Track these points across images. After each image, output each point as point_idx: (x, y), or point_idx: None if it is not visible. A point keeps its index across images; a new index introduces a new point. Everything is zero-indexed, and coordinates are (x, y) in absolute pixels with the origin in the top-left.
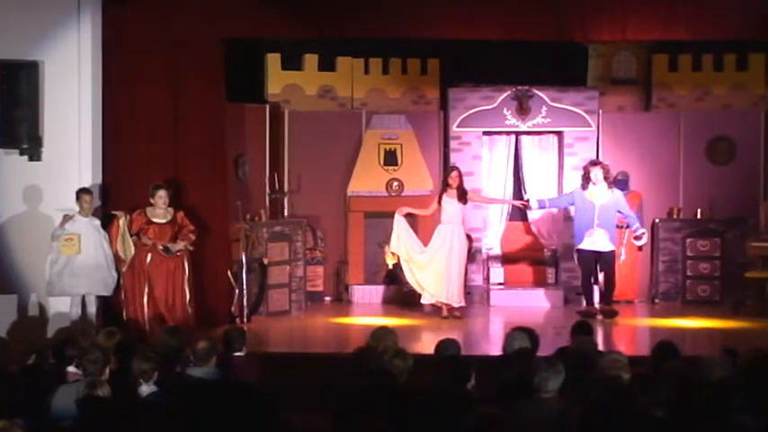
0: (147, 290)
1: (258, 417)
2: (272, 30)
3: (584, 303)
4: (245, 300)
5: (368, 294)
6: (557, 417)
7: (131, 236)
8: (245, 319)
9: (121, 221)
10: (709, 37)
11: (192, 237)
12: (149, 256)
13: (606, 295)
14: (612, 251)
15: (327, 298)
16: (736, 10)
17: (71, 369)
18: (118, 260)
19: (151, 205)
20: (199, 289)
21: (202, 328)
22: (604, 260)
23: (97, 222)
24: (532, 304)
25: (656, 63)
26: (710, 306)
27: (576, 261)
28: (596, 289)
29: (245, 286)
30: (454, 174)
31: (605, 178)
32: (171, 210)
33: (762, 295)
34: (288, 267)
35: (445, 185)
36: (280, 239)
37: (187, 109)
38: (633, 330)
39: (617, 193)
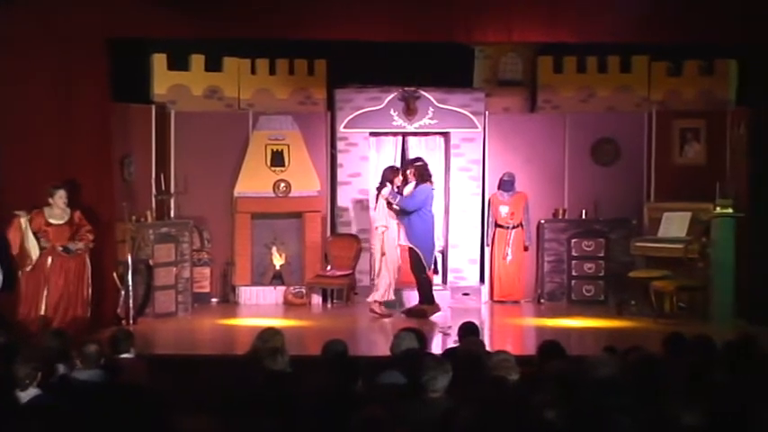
0: (46, 292)
1: (146, 419)
2: (158, 29)
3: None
4: (131, 301)
5: (255, 295)
6: (442, 415)
7: None
8: (131, 321)
9: (23, 221)
10: (592, 39)
11: (90, 236)
12: (50, 258)
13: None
14: (409, 247)
15: (214, 299)
16: (619, 12)
17: None
18: (23, 260)
19: (48, 205)
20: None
21: (89, 330)
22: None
23: None
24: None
25: (541, 65)
26: (595, 306)
27: None
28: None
29: (131, 288)
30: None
31: (413, 176)
32: (68, 210)
33: (645, 295)
34: (174, 269)
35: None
36: (166, 241)
37: (73, 109)
38: (520, 330)
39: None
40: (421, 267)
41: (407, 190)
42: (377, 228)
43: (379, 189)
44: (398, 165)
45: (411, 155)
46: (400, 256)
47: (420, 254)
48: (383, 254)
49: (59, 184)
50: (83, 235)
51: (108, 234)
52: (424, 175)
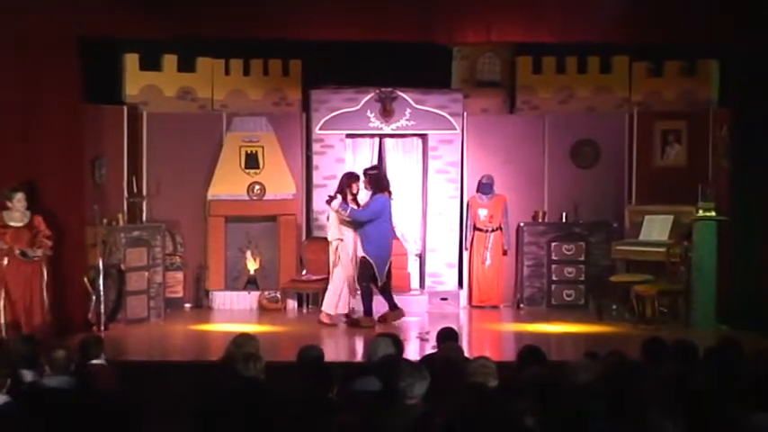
0: (3, 294)
1: (116, 426)
2: (130, 29)
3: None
4: (102, 307)
5: (229, 300)
6: (417, 422)
7: None
8: (102, 327)
9: None
10: (572, 39)
11: (49, 243)
12: (6, 259)
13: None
14: (362, 257)
15: (187, 304)
16: (599, 13)
17: None
18: None
19: (7, 208)
20: (55, 295)
21: (58, 336)
22: None
23: None
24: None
25: (520, 65)
26: (575, 310)
27: None
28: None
29: (102, 293)
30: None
31: (368, 185)
32: (28, 213)
33: (626, 299)
34: (146, 273)
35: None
36: (138, 244)
37: (42, 110)
38: (499, 336)
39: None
40: (366, 277)
41: (364, 199)
42: (331, 242)
43: (328, 202)
44: (357, 171)
45: (388, 157)
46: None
47: (372, 264)
48: (335, 265)
49: (17, 186)
50: (41, 241)
51: (78, 238)
52: (378, 184)
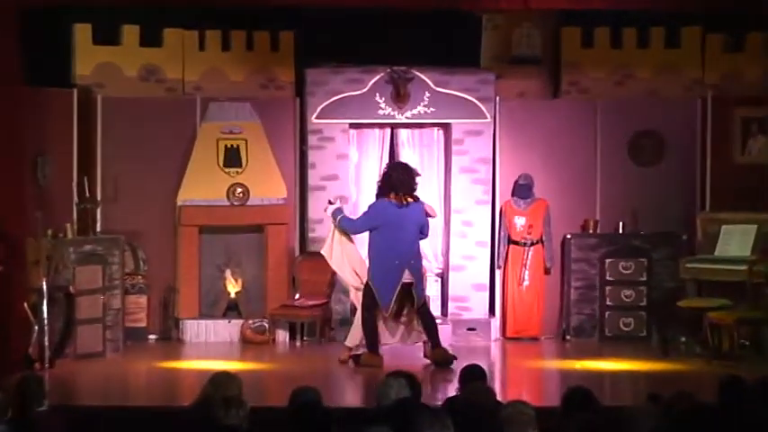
0: None
1: None
2: None
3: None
4: (45, 338)
5: (204, 331)
6: None
7: None
8: (46, 363)
9: None
10: (630, 6)
11: None
12: None
13: None
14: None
15: (152, 336)
16: None
17: None
18: None
19: None
20: None
21: None
22: None
23: None
24: (414, 342)
25: (565, 38)
26: (635, 343)
27: None
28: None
29: (46, 321)
30: None
31: None
32: None
33: (698, 329)
34: (101, 297)
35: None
36: (91, 261)
37: None
38: (539, 374)
39: None
40: (369, 304)
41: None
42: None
43: (326, 208)
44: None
45: (402, 152)
46: None
47: (371, 285)
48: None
49: None
50: None
51: (17, 253)
52: (383, 184)
